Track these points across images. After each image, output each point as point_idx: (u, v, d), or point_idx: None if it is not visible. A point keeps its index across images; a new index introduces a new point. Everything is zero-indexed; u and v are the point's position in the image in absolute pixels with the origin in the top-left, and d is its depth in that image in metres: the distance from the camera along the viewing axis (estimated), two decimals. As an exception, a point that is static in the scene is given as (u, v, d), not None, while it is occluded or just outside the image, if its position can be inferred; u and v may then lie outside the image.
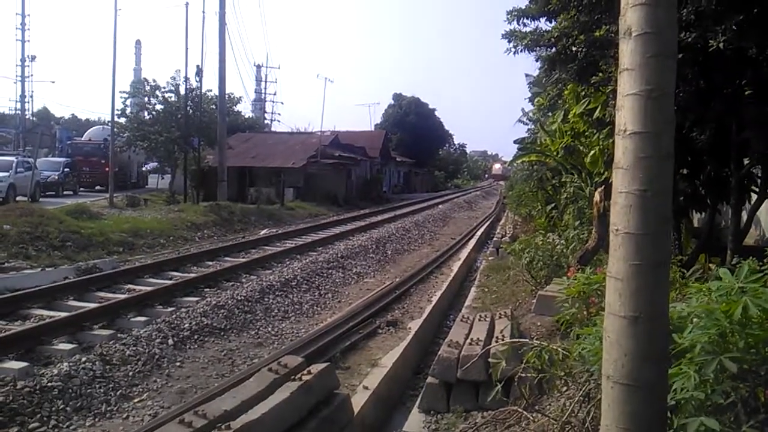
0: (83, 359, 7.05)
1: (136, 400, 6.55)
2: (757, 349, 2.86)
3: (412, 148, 69.07)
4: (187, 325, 8.81)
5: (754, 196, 8.97)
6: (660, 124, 2.56)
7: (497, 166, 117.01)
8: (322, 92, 63.53)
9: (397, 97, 76.40)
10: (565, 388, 4.83)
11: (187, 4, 27.92)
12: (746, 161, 8.56)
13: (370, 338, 9.06)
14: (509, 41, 9.39)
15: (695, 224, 12.30)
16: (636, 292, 2.55)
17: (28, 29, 56.96)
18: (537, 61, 9.81)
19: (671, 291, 4.12)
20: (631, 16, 2.58)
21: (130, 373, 7.12)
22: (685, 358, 2.89)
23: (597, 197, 8.15)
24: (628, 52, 2.60)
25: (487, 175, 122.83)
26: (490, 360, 5.79)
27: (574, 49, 8.62)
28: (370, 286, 13.15)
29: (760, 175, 8.85)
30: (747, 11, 6.32)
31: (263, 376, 4.78)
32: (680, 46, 6.23)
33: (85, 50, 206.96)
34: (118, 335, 8.26)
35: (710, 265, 7.83)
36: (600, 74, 8.37)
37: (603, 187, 8.39)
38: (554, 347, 4.65)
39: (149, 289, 10.87)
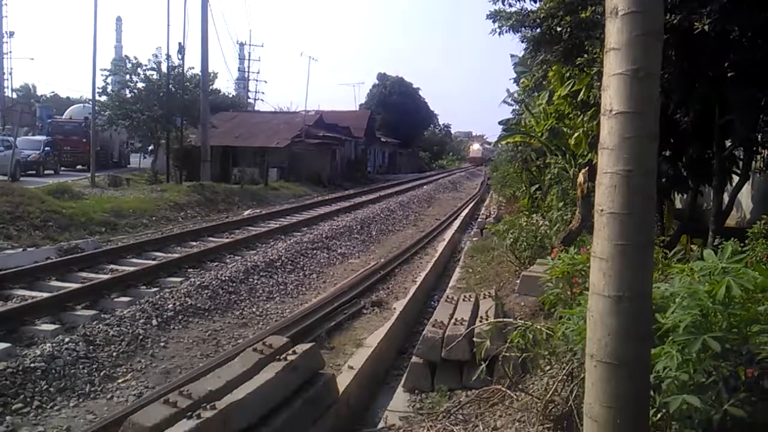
0: (66, 340, 7.02)
1: (120, 381, 6.54)
2: (739, 328, 2.90)
3: (396, 128, 68.93)
4: (171, 305, 8.78)
5: (736, 178, 9.04)
6: (645, 104, 2.56)
7: (476, 146, 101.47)
8: (306, 71, 63.06)
9: (382, 76, 76.09)
10: (548, 367, 4.87)
11: (169, -20, 27.43)
12: (728, 143, 8.62)
13: (355, 318, 9.09)
14: (494, 21, 9.32)
15: (677, 206, 12.39)
16: (620, 272, 2.57)
17: (6, 4, 55.97)
18: (522, 41, 9.74)
19: (654, 271, 4.16)
20: (618, -5, 2.57)
21: (114, 354, 7.10)
22: (668, 338, 2.92)
23: (581, 178, 8.18)
24: (614, 32, 2.59)
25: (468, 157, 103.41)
26: (474, 340, 5.84)
27: (559, 29, 8.57)
28: (355, 266, 13.16)
29: (741, 157, 8.92)
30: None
31: (248, 356, 4.78)
32: (665, 28, 6.24)
33: (65, 26, 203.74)
34: (102, 315, 8.22)
35: (692, 246, 7.89)
36: (585, 55, 8.36)
37: (587, 168, 8.42)
38: (538, 327, 4.68)
39: (132, 269, 10.81)
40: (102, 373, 6.61)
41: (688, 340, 2.81)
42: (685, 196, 11.11)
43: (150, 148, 33.81)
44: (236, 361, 4.78)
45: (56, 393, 6.08)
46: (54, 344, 6.84)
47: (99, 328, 7.57)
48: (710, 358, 2.82)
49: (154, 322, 8.19)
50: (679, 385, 2.77)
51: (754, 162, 9.40)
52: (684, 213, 10.71)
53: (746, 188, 10.31)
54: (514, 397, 4.92)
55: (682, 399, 2.66)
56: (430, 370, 6.22)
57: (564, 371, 4.24)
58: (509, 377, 5.12)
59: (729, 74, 7.32)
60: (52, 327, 7.70)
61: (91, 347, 7.07)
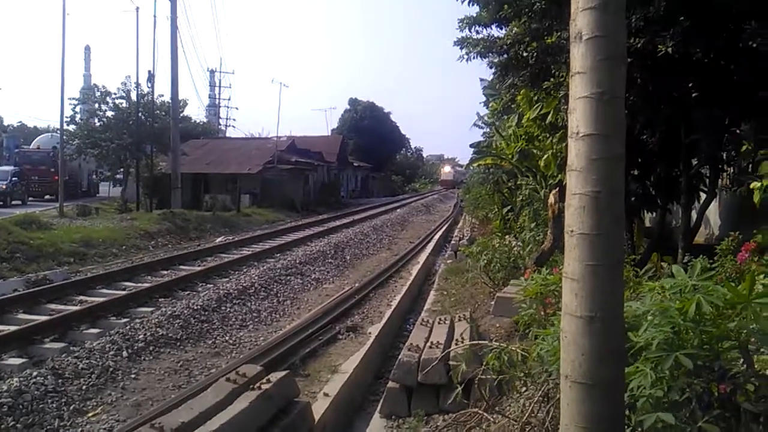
0: (34, 374, 6.86)
1: (90, 415, 6.38)
2: (711, 345, 2.92)
3: (369, 152, 69.23)
4: (141, 336, 8.63)
5: (704, 196, 9.21)
6: (611, 126, 2.60)
7: (447, 169, 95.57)
8: (277, 97, 62.78)
9: (353, 102, 76.61)
10: (524, 389, 4.87)
11: (137, 8, 27.55)
12: (695, 162, 8.79)
13: (330, 344, 9.01)
14: (462, 48, 9.44)
15: (647, 224, 12.56)
16: (591, 292, 2.58)
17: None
18: (491, 68, 9.85)
19: (625, 290, 4.19)
20: (581, 20, 2.61)
21: (84, 387, 6.94)
22: (642, 356, 2.93)
23: (552, 199, 8.26)
24: (579, 56, 2.63)
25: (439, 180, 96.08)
26: (450, 363, 5.82)
27: (525, 55, 8.72)
28: (330, 291, 13.09)
29: (708, 175, 9.10)
30: (694, 17, 6.49)
31: (221, 387, 4.71)
32: (629, 51, 6.37)
33: (32, 56, 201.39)
34: (71, 348, 8.06)
35: (662, 263, 7.98)
36: (552, 79, 8.49)
37: (557, 189, 8.51)
38: (513, 348, 4.69)
39: (102, 300, 10.63)
40: (71, 408, 6.45)
41: (660, 357, 2.82)
42: (654, 214, 11.28)
43: (119, 176, 33.44)
44: (209, 392, 4.71)
45: (24, 430, 5.92)
46: (21, 379, 6.68)
47: (68, 360, 7.41)
48: (683, 375, 2.83)
49: (125, 353, 8.04)
50: (654, 403, 2.78)
51: (720, 179, 9.59)
52: (653, 231, 10.87)
53: (713, 205, 10.50)
54: (491, 419, 4.90)
55: (657, 417, 2.67)
56: (407, 395, 6.17)
57: (540, 392, 4.24)
58: (486, 400, 5.10)
59: (693, 95, 7.49)
60: (19, 361, 7.53)
61: (59, 381, 6.90)
